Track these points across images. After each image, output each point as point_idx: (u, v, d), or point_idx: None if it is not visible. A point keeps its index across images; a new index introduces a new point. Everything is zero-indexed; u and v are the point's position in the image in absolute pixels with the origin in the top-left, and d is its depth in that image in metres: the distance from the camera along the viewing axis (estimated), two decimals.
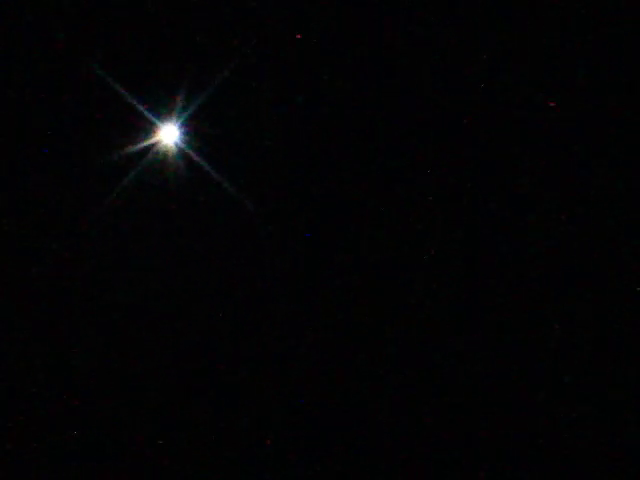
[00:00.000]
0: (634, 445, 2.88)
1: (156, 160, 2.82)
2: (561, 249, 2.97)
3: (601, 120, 2.97)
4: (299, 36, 2.76)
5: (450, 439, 2.92)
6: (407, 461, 2.93)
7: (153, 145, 2.81)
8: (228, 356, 2.99)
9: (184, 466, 2.94)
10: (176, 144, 2.83)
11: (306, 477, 2.94)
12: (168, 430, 2.95)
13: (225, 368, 2.98)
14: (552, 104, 2.64)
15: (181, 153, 2.83)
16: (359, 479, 2.93)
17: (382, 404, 2.95)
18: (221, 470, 2.94)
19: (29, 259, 2.92)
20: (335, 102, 3.01)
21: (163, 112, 2.83)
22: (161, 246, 2.92)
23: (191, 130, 2.85)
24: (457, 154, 2.99)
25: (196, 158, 2.83)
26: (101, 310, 2.98)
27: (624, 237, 2.95)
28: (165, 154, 2.83)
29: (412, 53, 2.99)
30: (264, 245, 2.93)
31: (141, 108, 2.80)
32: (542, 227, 2.97)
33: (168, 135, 2.82)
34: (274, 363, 2.98)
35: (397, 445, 2.93)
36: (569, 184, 2.97)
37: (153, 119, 2.81)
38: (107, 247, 2.92)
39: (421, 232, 2.99)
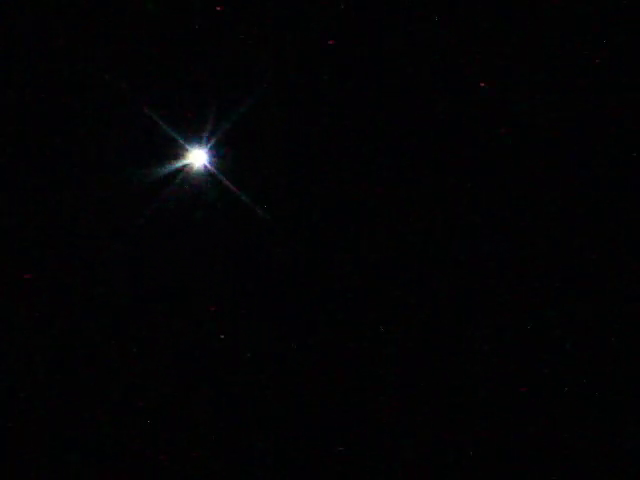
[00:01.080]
0: (634, 445, 2.88)
1: (185, 182, 2.91)
2: (561, 249, 2.97)
3: (601, 120, 2.97)
4: (331, 42, 2.80)
5: (450, 439, 2.92)
6: (407, 461, 2.93)
7: (182, 168, 2.91)
8: (228, 356, 2.99)
9: (184, 466, 2.94)
10: (205, 167, 2.92)
11: (306, 477, 2.94)
12: (168, 430, 2.95)
13: (225, 368, 2.98)
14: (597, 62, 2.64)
15: (210, 175, 2.92)
16: (359, 479, 2.93)
17: (382, 404, 2.95)
18: (221, 470, 2.94)
19: (56, 277, 2.97)
20: (335, 102, 3.01)
21: (192, 136, 2.92)
22: (185, 261, 2.98)
23: (219, 153, 2.93)
24: (457, 154, 2.99)
25: (224, 180, 2.93)
26: (113, 313, 2.99)
27: (624, 237, 2.95)
28: (194, 176, 2.92)
29: (412, 53, 2.99)
30: (282, 260, 2.97)
31: (171, 132, 2.90)
32: (542, 227, 2.97)
33: (197, 158, 2.91)
34: (274, 363, 2.99)
35: (397, 445, 2.93)
36: (569, 184, 2.98)
37: (183, 143, 2.90)
38: (135, 265, 2.98)
39: (421, 232, 2.99)
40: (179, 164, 2.91)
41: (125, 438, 2.94)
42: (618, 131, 2.96)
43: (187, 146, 2.91)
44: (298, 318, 2.99)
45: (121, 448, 2.93)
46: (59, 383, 2.96)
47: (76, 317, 2.98)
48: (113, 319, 2.98)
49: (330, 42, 2.97)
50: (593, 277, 2.94)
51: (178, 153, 2.92)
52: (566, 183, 2.97)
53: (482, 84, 2.98)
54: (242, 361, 2.99)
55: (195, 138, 2.92)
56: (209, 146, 2.92)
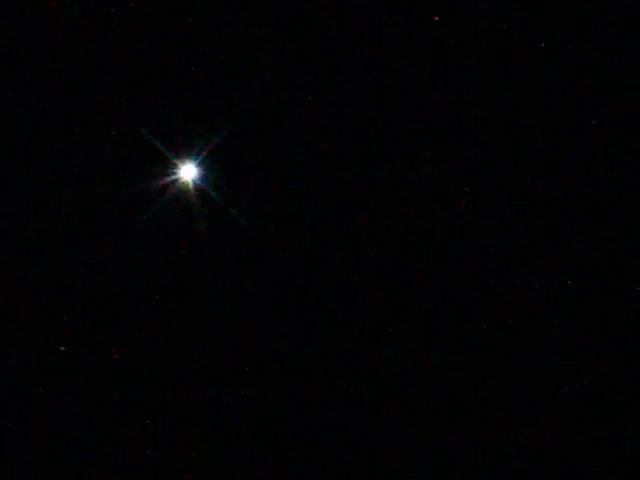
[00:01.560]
0: (634, 445, 2.88)
1: (175, 195, 3.00)
2: (561, 249, 2.97)
3: (601, 120, 2.97)
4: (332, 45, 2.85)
5: (450, 439, 2.92)
6: (407, 461, 2.93)
7: (173, 182, 3.00)
8: (228, 356, 2.99)
9: (184, 466, 2.94)
10: (194, 181, 3.00)
11: (306, 477, 2.94)
12: (168, 430, 2.95)
13: (225, 368, 2.98)
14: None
15: (199, 189, 3.01)
16: (359, 479, 2.93)
17: (382, 404, 2.95)
18: (221, 470, 2.94)
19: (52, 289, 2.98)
20: (335, 102, 3.01)
21: (182, 151, 3.00)
22: (175, 274, 3.01)
23: (208, 168, 3.00)
24: (457, 154, 2.99)
25: (213, 194, 3.00)
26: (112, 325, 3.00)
27: (624, 237, 2.95)
28: (184, 190, 3.00)
29: (412, 53, 2.99)
30: (282, 260, 3.00)
31: (162, 148, 2.99)
32: (542, 227, 2.97)
33: (187, 173, 3.00)
34: (274, 363, 2.99)
35: (397, 445, 2.94)
36: (569, 184, 2.98)
37: (173, 158, 2.99)
38: (125, 276, 3.01)
39: (421, 233, 2.99)
40: (169, 179, 2.99)
41: (125, 438, 2.94)
42: (618, 131, 2.96)
43: (178, 162, 3.00)
44: (298, 318, 2.99)
45: (121, 448, 2.93)
46: (59, 383, 2.96)
47: (76, 317, 2.98)
48: (113, 319, 2.99)
49: (331, 45, 2.98)
50: (593, 277, 2.94)
51: (169, 168, 2.99)
52: (566, 183, 2.97)
53: (481, 84, 2.98)
54: (242, 362, 2.99)
55: (185, 153, 3.00)
56: (200, 158, 3.00)
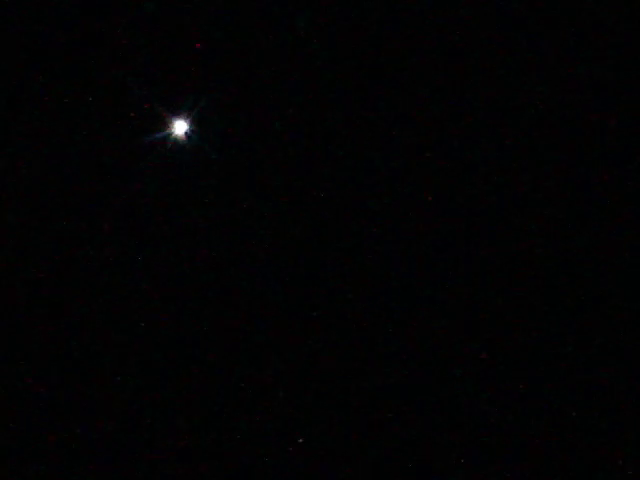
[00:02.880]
0: (634, 447, 2.88)
1: (167, 150, 3.03)
2: (561, 250, 2.97)
3: (602, 120, 2.97)
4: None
5: (450, 440, 2.92)
6: (407, 461, 2.93)
7: (165, 137, 3.03)
8: (228, 356, 2.99)
9: (184, 467, 2.94)
10: (186, 136, 3.03)
11: (307, 477, 2.94)
12: (167, 430, 2.95)
13: (225, 368, 2.98)
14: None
15: (190, 144, 3.03)
16: (359, 479, 2.93)
17: (382, 405, 2.95)
18: (221, 471, 2.94)
19: (39, 247, 2.98)
20: (335, 102, 3.02)
21: (174, 107, 3.03)
22: (167, 234, 3.00)
23: (200, 123, 3.03)
24: (457, 154, 3.00)
25: (204, 148, 3.04)
26: (102, 302, 2.99)
27: (624, 237, 2.95)
28: (175, 145, 3.03)
29: (412, 53, 3.00)
30: (263, 240, 2.99)
31: (154, 104, 3.02)
32: (542, 227, 2.98)
33: (179, 128, 3.03)
34: (274, 363, 2.99)
35: (397, 445, 2.94)
36: (569, 184, 2.98)
37: (165, 113, 3.03)
38: (117, 235, 3.01)
39: (421, 233, 3.00)
40: (161, 134, 3.03)
41: (125, 439, 2.94)
42: (618, 130, 2.96)
43: (170, 117, 3.02)
44: (297, 318, 3.00)
45: (121, 448, 2.93)
46: (60, 382, 2.96)
47: (75, 311, 2.99)
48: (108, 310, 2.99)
49: (330, 42, 2.99)
50: (593, 277, 2.95)
51: (161, 124, 3.02)
52: (567, 183, 2.98)
53: (482, 89, 2.99)
54: (242, 359, 2.99)
55: (178, 110, 3.03)
56: (192, 117, 3.03)
